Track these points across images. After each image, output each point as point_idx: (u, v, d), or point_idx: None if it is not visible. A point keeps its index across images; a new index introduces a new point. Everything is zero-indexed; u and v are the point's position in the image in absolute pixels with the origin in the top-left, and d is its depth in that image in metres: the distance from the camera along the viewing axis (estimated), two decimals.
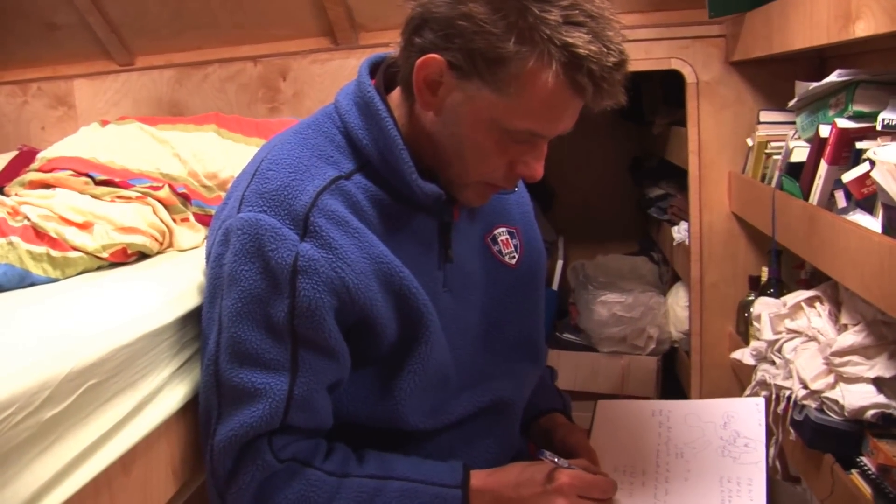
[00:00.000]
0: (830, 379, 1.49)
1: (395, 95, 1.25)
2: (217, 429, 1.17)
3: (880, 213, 1.33)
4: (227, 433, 1.15)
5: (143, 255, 1.65)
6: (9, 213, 1.57)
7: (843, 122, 1.52)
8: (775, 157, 1.96)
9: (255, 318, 1.15)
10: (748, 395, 1.79)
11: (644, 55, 2.30)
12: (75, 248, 1.52)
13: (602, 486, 1.23)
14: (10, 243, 1.48)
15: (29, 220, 1.54)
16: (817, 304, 1.68)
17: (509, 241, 1.41)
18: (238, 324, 1.15)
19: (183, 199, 1.77)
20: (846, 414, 1.43)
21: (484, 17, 1.08)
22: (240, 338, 1.15)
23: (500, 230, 1.41)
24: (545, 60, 1.08)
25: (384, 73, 1.27)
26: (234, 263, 1.16)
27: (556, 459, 1.23)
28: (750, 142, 2.16)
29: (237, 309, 1.15)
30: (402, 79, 1.22)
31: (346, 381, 1.24)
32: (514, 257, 1.41)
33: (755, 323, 1.88)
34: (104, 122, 1.98)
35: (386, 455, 1.25)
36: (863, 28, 1.32)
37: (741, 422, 1.38)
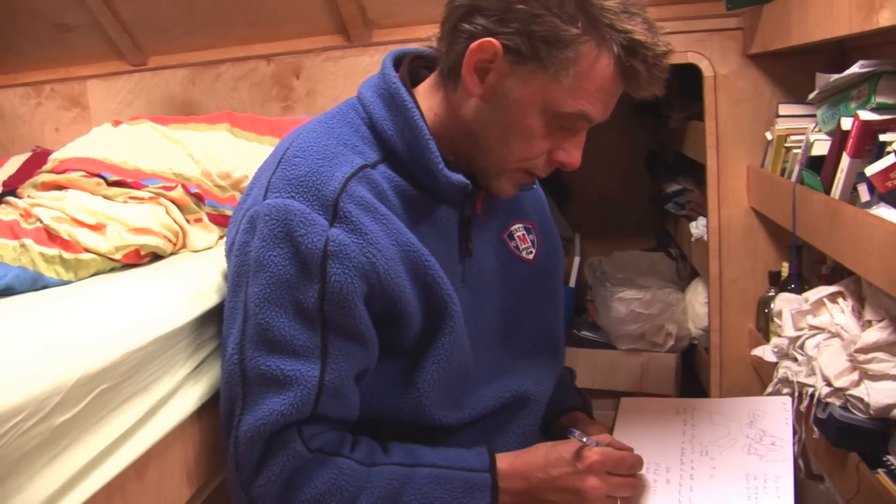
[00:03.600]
0: (855, 376, 1.47)
1: (423, 89, 1.27)
2: (242, 419, 1.15)
3: None
4: (255, 422, 1.13)
5: (156, 257, 1.64)
6: (21, 216, 1.56)
7: (865, 115, 1.50)
8: (795, 150, 1.93)
9: (284, 304, 1.14)
10: (770, 393, 1.77)
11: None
12: (88, 250, 1.51)
13: (630, 461, 1.24)
14: (23, 245, 1.47)
15: (41, 222, 1.53)
16: (840, 300, 1.65)
17: (526, 236, 1.41)
18: (266, 310, 1.14)
19: (196, 199, 1.76)
20: (871, 412, 1.40)
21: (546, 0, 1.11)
22: (268, 324, 1.14)
23: (517, 226, 1.41)
24: (606, 45, 1.12)
25: (408, 68, 1.28)
26: (261, 249, 1.15)
27: (584, 439, 1.23)
28: (769, 135, 2.14)
29: (265, 295, 1.14)
30: (443, 67, 1.23)
31: (372, 369, 1.23)
32: (531, 252, 1.41)
33: (776, 319, 1.86)
34: (116, 123, 1.98)
35: (410, 445, 1.25)
36: (887, 17, 1.29)
37: (767, 421, 1.36)
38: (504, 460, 1.23)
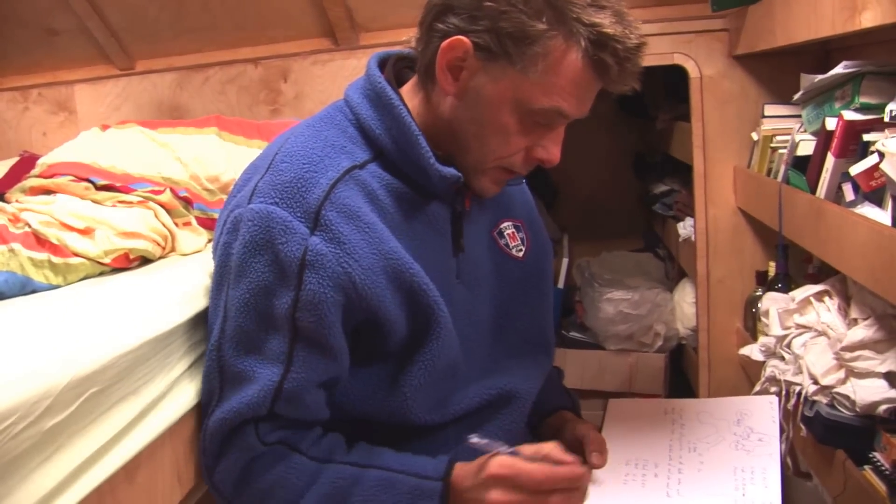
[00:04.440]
0: (841, 374, 1.48)
1: (407, 89, 1.28)
2: (214, 411, 1.20)
3: (889, 205, 1.32)
4: (220, 416, 1.18)
5: (145, 260, 1.64)
6: (10, 220, 1.55)
7: (849, 115, 1.51)
8: (781, 150, 1.95)
9: (260, 309, 1.17)
10: (758, 392, 1.78)
11: (646, 50, 2.28)
12: (77, 254, 1.51)
13: (538, 476, 1.12)
14: (12, 250, 1.46)
15: (30, 226, 1.53)
16: (826, 299, 1.66)
17: (515, 234, 1.42)
18: (243, 314, 1.17)
19: (185, 202, 1.76)
20: (857, 409, 1.41)
21: None
22: (243, 327, 1.18)
23: (506, 224, 1.42)
24: (574, 39, 1.12)
25: (393, 69, 1.29)
26: (243, 254, 1.17)
27: (488, 447, 1.15)
28: (755, 136, 2.15)
29: (244, 299, 1.17)
30: (420, 67, 1.24)
31: (343, 379, 1.24)
32: (521, 250, 1.42)
33: (763, 318, 1.87)
34: (104, 127, 1.97)
35: (376, 447, 1.24)
36: (869, 18, 1.30)
37: (755, 419, 1.37)
38: (457, 468, 1.17)
